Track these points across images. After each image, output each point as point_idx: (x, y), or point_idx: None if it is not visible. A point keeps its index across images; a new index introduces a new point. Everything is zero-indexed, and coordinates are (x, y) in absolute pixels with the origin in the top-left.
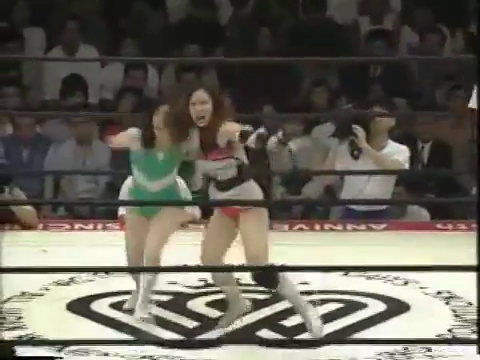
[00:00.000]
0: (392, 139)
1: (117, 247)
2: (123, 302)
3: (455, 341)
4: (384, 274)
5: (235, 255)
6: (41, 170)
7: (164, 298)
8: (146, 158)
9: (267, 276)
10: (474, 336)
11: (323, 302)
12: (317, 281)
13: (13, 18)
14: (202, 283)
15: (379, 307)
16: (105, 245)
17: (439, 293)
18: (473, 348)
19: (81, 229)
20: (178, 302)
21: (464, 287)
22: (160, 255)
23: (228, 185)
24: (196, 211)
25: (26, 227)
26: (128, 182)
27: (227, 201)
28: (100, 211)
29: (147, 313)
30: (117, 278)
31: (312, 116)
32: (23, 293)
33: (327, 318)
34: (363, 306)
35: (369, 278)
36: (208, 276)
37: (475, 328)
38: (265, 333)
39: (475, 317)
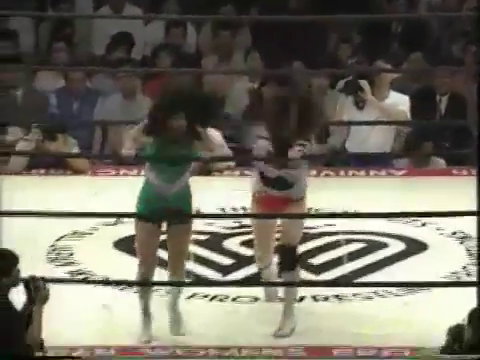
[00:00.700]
0: (408, 92)
1: None
2: (166, 241)
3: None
4: None
5: None
6: (90, 121)
7: (202, 237)
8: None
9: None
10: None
11: (348, 242)
12: (342, 223)
13: None
14: (237, 224)
15: (399, 247)
16: None
17: (454, 233)
18: None
19: (125, 175)
20: (215, 241)
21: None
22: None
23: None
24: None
25: (77, 172)
26: None
27: None
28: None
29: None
30: None
31: (336, 72)
32: (74, 232)
33: (352, 257)
34: (384, 246)
35: (389, 220)
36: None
37: None
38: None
39: None
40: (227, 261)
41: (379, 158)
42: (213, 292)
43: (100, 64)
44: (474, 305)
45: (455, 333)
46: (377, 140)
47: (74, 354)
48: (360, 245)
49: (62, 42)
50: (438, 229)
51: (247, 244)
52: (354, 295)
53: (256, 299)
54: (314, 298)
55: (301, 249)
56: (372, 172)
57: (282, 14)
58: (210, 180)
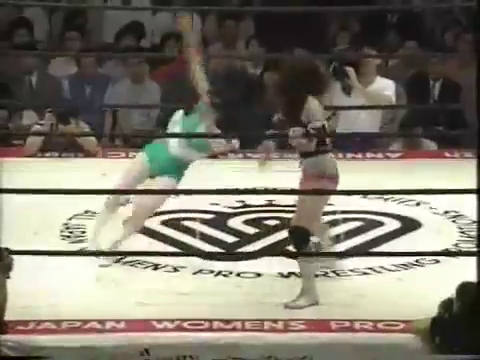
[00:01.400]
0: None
1: None
2: (173, 220)
3: (460, 254)
4: (398, 196)
5: None
6: (101, 105)
7: (207, 216)
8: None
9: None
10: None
11: (345, 220)
12: (340, 203)
13: None
14: (240, 204)
15: (394, 225)
16: None
17: (447, 212)
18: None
19: (135, 157)
20: (219, 220)
21: (469, 207)
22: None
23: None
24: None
25: (88, 154)
26: (175, 116)
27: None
28: (151, 142)
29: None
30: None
31: (321, 57)
32: (86, 211)
33: (349, 234)
34: (380, 224)
35: (385, 200)
36: (246, 198)
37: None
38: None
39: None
40: (231, 239)
41: (369, 141)
42: (218, 268)
43: (111, 51)
44: (463, 279)
45: (446, 305)
46: (364, 124)
47: (85, 327)
48: (357, 223)
49: (75, 31)
50: (431, 208)
51: (250, 223)
52: (351, 271)
53: (259, 274)
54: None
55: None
56: (369, 155)
57: (284, 4)
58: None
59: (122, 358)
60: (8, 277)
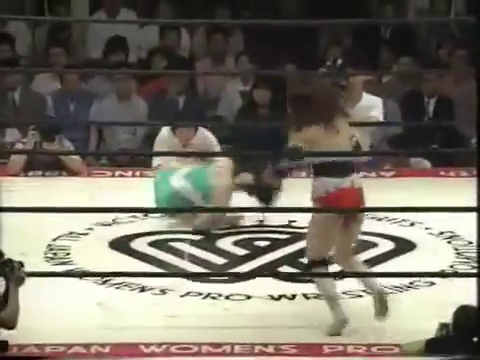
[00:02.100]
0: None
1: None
2: (160, 240)
3: (456, 275)
4: (392, 216)
5: None
6: (86, 122)
7: (196, 237)
8: None
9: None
10: (474, 271)
11: None
12: None
13: None
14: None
15: (388, 246)
16: (142, 190)
17: (442, 233)
18: (472, 281)
19: (121, 176)
20: (208, 241)
21: (465, 227)
22: None
23: None
24: None
25: (73, 174)
26: (161, 133)
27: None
28: (138, 160)
29: None
30: (154, 219)
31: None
32: (71, 232)
33: None
34: (374, 245)
35: (379, 220)
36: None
37: (474, 264)
38: (286, 269)
39: (474, 254)
40: (221, 260)
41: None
42: (206, 290)
43: (96, 67)
44: (458, 302)
45: (441, 328)
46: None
47: (70, 351)
48: None
49: (60, 46)
50: (426, 229)
51: (240, 244)
52: (344, 293)
53: (249, 297)
54: (305, 296)
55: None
56: (361, 173)
57: (274, 17)
58: None
59: None
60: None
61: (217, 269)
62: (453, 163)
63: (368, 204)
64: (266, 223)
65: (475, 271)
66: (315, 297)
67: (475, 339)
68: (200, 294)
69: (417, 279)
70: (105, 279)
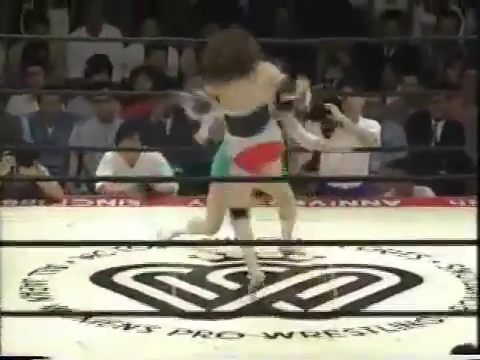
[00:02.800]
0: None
1: (138, 222)
2: (146, 274)
3: (464, 313)
4: (398, 248)
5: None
6: (65, 147)
7: (185, 271)
8: None
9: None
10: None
11: (338, 275)
12: (332, 255)
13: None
14: (221, 256)
15: (393, 280)
16: (127, 220)
17: (451, 267)
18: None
19: (104, 205)
20: (198, 275)
21: (476, 260)
22: None
23: None
24: None
25: (51, 202)
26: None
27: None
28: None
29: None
30: (139, 252)
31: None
32: (49, 266)
33: (343, 291)
34: (378, 279)
35: (383, 252)
36: (227, 249)
37: None
38: (282, 305)
39: None
40: (211, 295)
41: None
42: (196, 328)
43: (76, 87)
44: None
45: None
46: (352, 164)
47: None
48: (352, 278)
49: (37, 65)
50: (434, 262)
51: (232, 277)
52: (345, 331)
53: (241, 335)
54: (303, 334)
55: (288, 283)
56: (364, 202)
57: (269, 34)
58: None
59: None
60: None
61: (208, 304)
62: (463, 191)
63: (371, 236)
64: (259, 255)
65: (475, 308)
66: (314, 335)
67: None
68: (189, 332)
69: (424, 316)
70: (85, 317)
